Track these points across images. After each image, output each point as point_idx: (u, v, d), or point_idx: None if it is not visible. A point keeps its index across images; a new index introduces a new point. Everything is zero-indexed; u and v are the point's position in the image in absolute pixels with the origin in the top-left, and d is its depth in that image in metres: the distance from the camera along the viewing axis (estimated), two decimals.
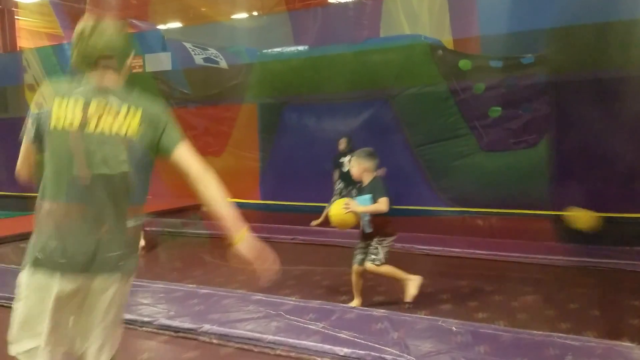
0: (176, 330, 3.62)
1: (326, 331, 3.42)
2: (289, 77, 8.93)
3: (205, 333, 3.52)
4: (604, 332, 3.40)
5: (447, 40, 7.98)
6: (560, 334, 3.28)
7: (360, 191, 4.10)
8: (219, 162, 9.81)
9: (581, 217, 4.78)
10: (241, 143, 9.68)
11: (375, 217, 4.03)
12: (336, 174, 7.61)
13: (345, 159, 7.27)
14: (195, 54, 9.13)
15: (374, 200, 3.96)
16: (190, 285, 4.58)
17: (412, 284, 4.06)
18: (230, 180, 9.84)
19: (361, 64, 8.25)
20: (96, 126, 1.80)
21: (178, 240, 7.05)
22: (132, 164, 1.83)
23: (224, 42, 9.70)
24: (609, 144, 6.80)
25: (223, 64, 9.41)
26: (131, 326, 3.74)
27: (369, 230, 4.05)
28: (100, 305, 1.85)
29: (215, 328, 3.53)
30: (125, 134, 1.82)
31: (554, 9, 7.00)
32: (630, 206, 6.90)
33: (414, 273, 4.98)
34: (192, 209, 9.34)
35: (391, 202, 3.98)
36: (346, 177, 7.13)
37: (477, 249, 5.73)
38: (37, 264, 1.81)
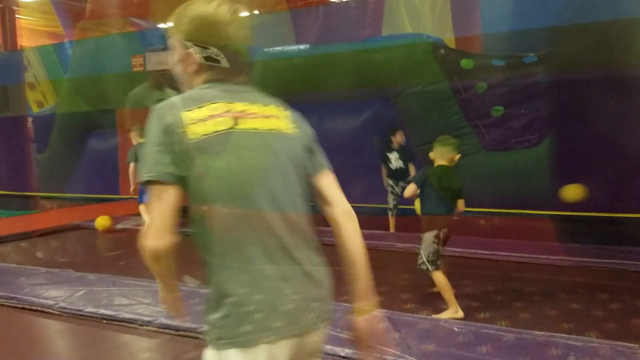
0: (177, 329, 3.60)
1: (328, 331, 3.39)
2: (291, 76, 8.90)
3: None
4: (607, 333, 3.38)
5: (449, 38, 7.95)
6: (563, 335, 3.27)
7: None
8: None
9: (570, 189, 5.07)
10: None
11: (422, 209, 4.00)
12: (384, 171, 7.37)
13: (393, 155, 7.15)
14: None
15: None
16: (192, 285, 4.56)
17: (450, 313, 3.82)
18: None
19: (363, 63, 8.22)
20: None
21: (180, 239, 7.01)
22: None
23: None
24: (613, 143, 6.77)
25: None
26: (132, 325, 3.73)
27: None
28: None
29: None
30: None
31: (557, 7, 6.97)
32: (635, 206, 6.87)
33: (414, 273, 4.99)
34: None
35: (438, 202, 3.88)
36: (396, 174, 7.06)
37: (479, 248, 5.72)
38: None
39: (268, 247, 1.36)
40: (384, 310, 3.74)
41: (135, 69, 9.70)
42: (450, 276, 4.82)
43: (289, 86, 9.05)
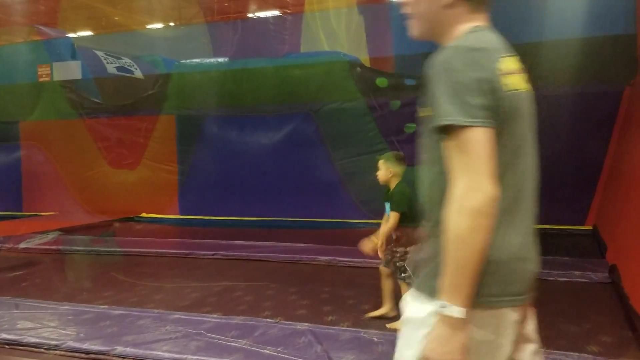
0: (87, 352, 3.40)
1: (249, 348, 3.34)
2: (209, 89, 8.80)
3: (119, 355, 3.32)
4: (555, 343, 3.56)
5: (364, 58, 8.23)
6: None
7: (389, 197, 3.94)
8: (134, 175, 9.46)
9: None
10: (158, 155, 9.37)
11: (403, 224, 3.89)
12: None
13: None
14: (107, 63, 8.79)
15: (391, 210, 3.85)
16: (102, 306, 4.33)
17: (383, 312, 3.92)
18: (147, 194, 9.57)
19: (282, 78, 8.30)
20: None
21: (88, 259, 6.66)
22: None
23: (140, 52, 9.40)
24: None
25: (138, 73, 9.12)
26: (37, 350, 3.48)
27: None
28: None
29: (129, 350, 3.35)
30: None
31: None
32: (556, 218, 7.41)
33: (335, 285, 5.02)
34: (104, 225, 8.90)
35: (414, 212, 3.80)
36: None
37: None
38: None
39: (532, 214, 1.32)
40: (306, 324, 3.75)
41: (42, 79, 9.17)
42: (369, 287, 4.93)
43: (208, 99, 8.94)
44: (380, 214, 8.19)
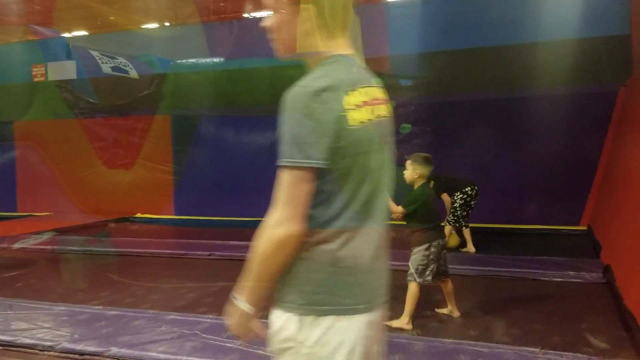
0: (81, 354, 3.39)
1: (244, 349, 3.34)
2: (205, 89, 8.78)
3: (114, 356, 3.32)
4: (511, 338, 3.58)
5: (360, 58, 8.22)
6: (470, 341, 3.43)
7: None
8: (129, 175, 9.43)
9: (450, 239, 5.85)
10: (154, 155, 9.35)
11: (407, 223, 3.99)
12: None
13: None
14: (102, 63, 8.74)
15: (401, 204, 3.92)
16: (97, 307, 4.32)
17: (401, 323, 3.87)
18: (142, 194, 9.53)
19: (278, 78, 8.25)
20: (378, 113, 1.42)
21: (83, 259, 6.63)
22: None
23: (135, 52, 9.38)
24: (487, 161, 7.40)
25: (133, 73, 9.08)
26: (32, 351, 3.46)
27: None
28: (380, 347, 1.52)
29: (124, 351, 3.34)
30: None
31: (430, 34, 7.50)
32: (514, 218, 7.48)
33: None
34: (99, 226, 8.87)
35: (421, 216, 3.94)
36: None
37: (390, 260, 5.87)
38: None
39: None
40: None
41: (37, 79, 9.13)
42: None
43: (204, 99, 8.92)
44: None
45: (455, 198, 6.22)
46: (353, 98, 1.32)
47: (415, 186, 4.01)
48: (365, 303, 1.37)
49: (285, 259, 1.32)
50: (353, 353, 1.34)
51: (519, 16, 7.14)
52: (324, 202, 1.31)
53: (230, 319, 1.46)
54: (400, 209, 3.93)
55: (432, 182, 6.42)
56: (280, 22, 1.41)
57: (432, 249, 3.90)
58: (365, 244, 1.37)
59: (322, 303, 1.33)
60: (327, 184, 1.29)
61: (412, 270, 3.92)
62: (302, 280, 1.34)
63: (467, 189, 6.19)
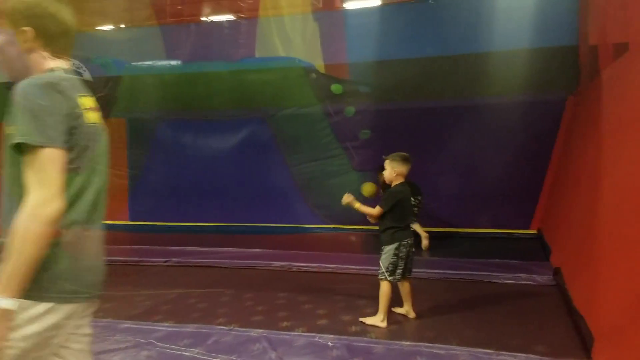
0: None
1: (202, 356, 3.30)
2: (162, 92, 8.63)
3: None
4: (466, 340, 3.67)
5: (319, 65, 8.27)
6: (427, 343, 3.49)
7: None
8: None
9: (366, 186, 5.72)
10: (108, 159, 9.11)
11: (379, 222, 4.09)
12: None
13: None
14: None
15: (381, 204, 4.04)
16: None
17: (376, 320, 3.99)
18: None
19: (238, 83, 8.24)
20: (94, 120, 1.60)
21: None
22: None
23: (89, 54, 9.13)
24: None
25: (87, 75, 8.84)
26: None
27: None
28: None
29: None
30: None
31: (388, 43, 7.66)
32: (467, 222, 7.70)
33: (290, 290, 5.02)
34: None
35: (402, 215, 4.03)
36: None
37: (350, 264, 5.92)
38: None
39: None
40: (261, 330, 3.73)
41: None
42: (324, 291, 4.95)
43: (161, 102, 8.78)
44: (335, 218, 8.24)
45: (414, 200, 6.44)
46: (85, 101, 1.52)
47: (393, 184, 4.12)
48: (86, 294, 1.54)
49: (50, 239, 1.38)
50: (65, 337, 1.52)
51: (474, 27, 7.35)
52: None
53: None
54: (377, 210, 4.05)
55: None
56: (3, 43, 1.54)
57: (402, 248, 4.02)
58: (91, 240, 1.53)
59: (50, 290, 1.42)
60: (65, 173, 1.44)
61: (382, 269, 4.03)
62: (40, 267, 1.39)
63: (418, 197, 6.57)
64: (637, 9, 3.80)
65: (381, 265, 4.05)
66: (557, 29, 7.05)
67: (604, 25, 5.36)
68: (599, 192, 3.99)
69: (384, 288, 4.02)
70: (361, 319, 4.04)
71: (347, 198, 4.19)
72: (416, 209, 6.55)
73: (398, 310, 4.27)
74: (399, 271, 4.03)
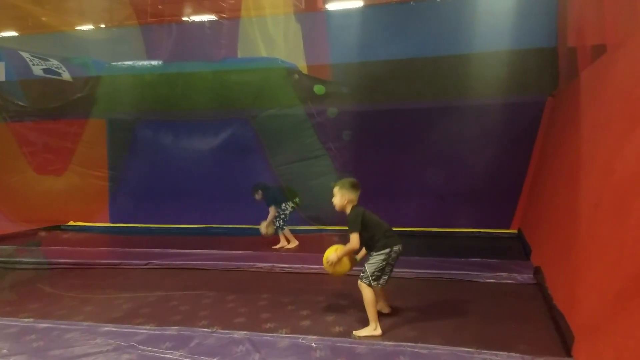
0: None
1: (184, 359, 3.26)
2: (142, 93, 8.55)
3: None
4: (448, 339, 3.69)
5: (302, 66, 8.28)
6: (410, 343, 3.50)
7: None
8: (61, 181, 9.05)
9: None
10: (87, 161, 9.01)
11: (365, 245, 4.08)
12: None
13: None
14: (33, 65, 8.35)
15: (349, 232, 3.97)
16: (27, 320, 4.10)
17: (369, 330, 3.87)
18: (75, 201, 9.16)
19: (220, 83, 8.20)
20: None
21: (12, 270, 6.28)
22: None
23: (69, 54, 9.01)
24: (423, 167, 7.65)
25: (66, 75, 8.72)
26: None
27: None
28: None
29: None
30: None
31: (370, 44, 7.71)
32: (448, 222, 7.77)
33: (275, 292, 5.00)
34: (28, 234, 8.43)
35: (379, 225, 4.02)
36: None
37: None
38: None
39: None
40: (244, 332, 3.71)
41: None
42: (307, 292, 4.94)
43: (141, 103, 8.70)
44: (317, 220, 8.23)
45: (287, 206, 7.19)
46: None
47: (347, 211, 4.07)
48: None
49: None
50: None
51: (455, 28, 7.43)
52: None
53: None
54: (353, 238, 3.96)
55: (261, 192, 7.20)
56: None
57: (393, 254, 4.01)
58: None
59: None
60: None
61: (367, 274, 3.97)
62: None
63: (296, 200, 7.29)
64: (615, 11, 3.87)
65: (367, 269, 3.98)
66: (536, 31, 7.16)
67: (583, 28, 5.45)
68: (577, 191, 4.05)
69: (368, 295, 3.93)
70: (354, 333, 3.86)
71: (334, 257, 4.13)
72: (286, 213, 7.18)
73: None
74: (384, 277, 4.01)
